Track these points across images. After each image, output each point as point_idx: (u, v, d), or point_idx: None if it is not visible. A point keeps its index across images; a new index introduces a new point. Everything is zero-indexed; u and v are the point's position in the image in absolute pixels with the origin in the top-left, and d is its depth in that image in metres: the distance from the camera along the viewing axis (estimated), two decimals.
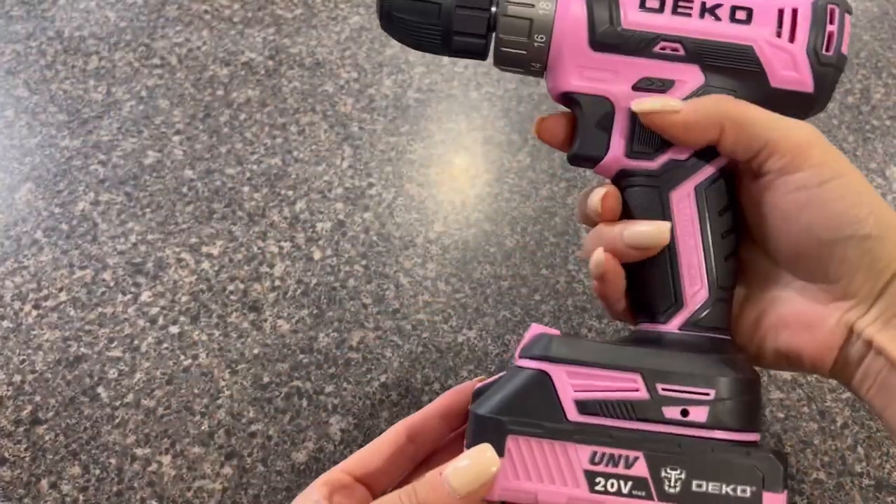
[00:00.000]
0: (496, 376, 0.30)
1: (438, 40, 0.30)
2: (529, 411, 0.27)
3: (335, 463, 0.30)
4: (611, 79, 0.30)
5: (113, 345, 0.43)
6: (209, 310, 0.45)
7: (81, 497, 0.38)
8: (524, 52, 0.30)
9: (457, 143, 0.55)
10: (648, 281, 0.30)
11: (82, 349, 0.43)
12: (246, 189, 0.52)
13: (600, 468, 0.27)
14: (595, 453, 0.27)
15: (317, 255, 0.48)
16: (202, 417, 0.41)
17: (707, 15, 0.28)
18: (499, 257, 0.49)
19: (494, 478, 0.26)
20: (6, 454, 0.39)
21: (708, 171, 0.29)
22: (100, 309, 0.45)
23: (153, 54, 0.61)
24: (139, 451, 0.39)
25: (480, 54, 0.31)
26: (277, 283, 0.46)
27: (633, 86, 0.29)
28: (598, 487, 0.27)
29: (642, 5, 0.29)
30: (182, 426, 0.40)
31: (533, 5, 0.29)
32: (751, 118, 0.28)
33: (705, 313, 0.29)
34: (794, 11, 0.29)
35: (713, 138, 0.28)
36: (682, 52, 0.29)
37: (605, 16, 0.29)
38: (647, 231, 0.29)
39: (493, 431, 0.27)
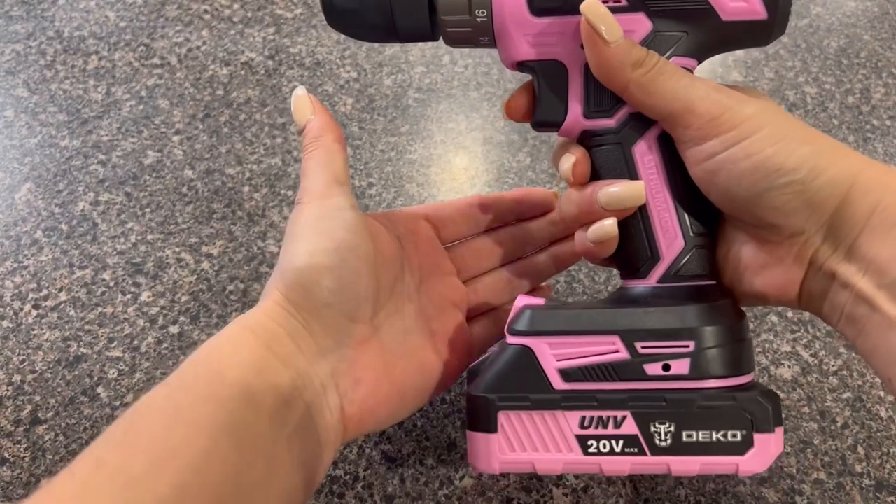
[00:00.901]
0: (487, 354, 0.32)
1: (383, 28, 0.31)
2: (517, 386, 0.28)
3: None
4: (558, 42, 0.30)
5: (113, 345, 0.43)
6: (209, 310, 0.45)
7: None
8: (469, 28, 0.30)
9: (457, 143, 0.55)
10: (624, 238, 0.30)
11: (82, 349, 0.43)
12: (246, 189, 0.52)
13: (590, 431, 0.28)
14: (584, 418, 0.28)
15: None
16: None
17: None
18: None
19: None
20: (6, 454, 0.39)
21: None
22: (100, 309, 0.45)
23: (153, 54, 0.61)
24: None
25: (430, 37, 0.32)
26: None
27: (580, 45, 0.29)
28: (591, 450, 0.28)
29: None
30: None
31: None
32: (656, 88, 0.28)
33: (684, 262, 0.30)
34: None
35: (621, 92, 0.29)
36: (624, 3, 0.28)
37: None
38: (621, 192, 0.29)
39: (484, 410, 0.29)
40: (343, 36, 0.64)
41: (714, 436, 0.27)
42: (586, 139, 0.31)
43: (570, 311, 0.29)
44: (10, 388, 0.41)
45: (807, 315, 0.46)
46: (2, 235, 0.48)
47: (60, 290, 0.46)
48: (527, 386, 0.28)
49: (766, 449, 0.27)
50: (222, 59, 0.61)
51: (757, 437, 0.27)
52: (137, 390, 0.42)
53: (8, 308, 0.45)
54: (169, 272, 0.47)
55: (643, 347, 0.28)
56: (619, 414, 0.27)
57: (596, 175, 0.31)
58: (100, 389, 0.42)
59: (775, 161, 0.26)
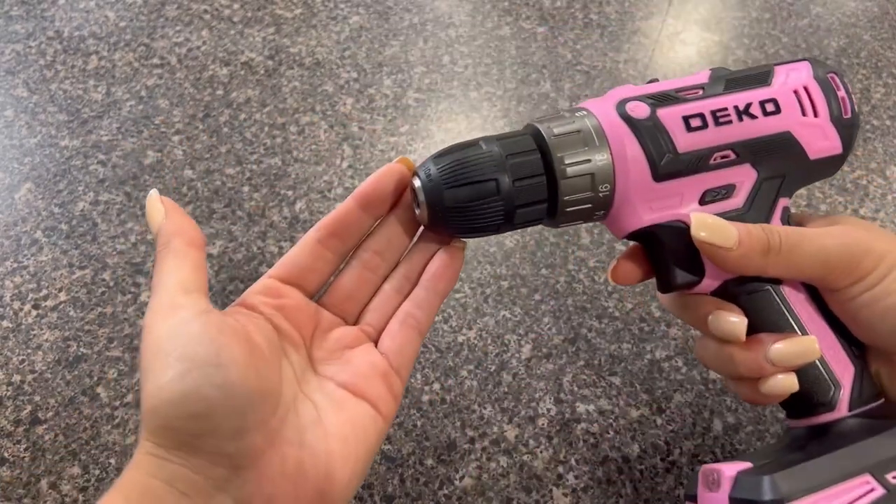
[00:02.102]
0: None
1: (501, 218, 0.29)
2: None
3: None
4: (678, 203, 0.30)
5: (112, 345, 0.43)
6: None
7: (81, 497, 0.38)
8: (589, 204, 0.29)
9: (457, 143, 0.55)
10: (802, 380, 0.30)
11: (82, 349, 0.43)
12: (246, 189, 0.52)
13: None
14: None
15: None
16: None
17: (745, 117, 0.30)
18: (499, 257, 0.49)
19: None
20: (6, 454, 0.39)
21: None
22: (99, 309, 0.45)
23: (153, 54, 0.61)
24: None
25: (540, 219, 0.30)
26: None
27: (699, 201, 0.30)
28: None
29: (688, 127, 0.29)
30: None
31: (590, 160, 0.29)
32: (792, 263, 0.28)
33: (860, 386, 0.29)
34: (807, 89, 0.30)
35: (763, 272, 0.29)
36: (733, 157, 0.30)
37: (661, 148, 0.29)
38: (795, 349, 0.29)
39: None
40: (343, 36, 0.64)
41: None
42: (727, 289, 0.30)
43: (805, 466, 0.27)
44: (9, 388, 0.41)
45: None
46: (2, 235, 0.48)
47: (60, 290, 0.46)
48: None
49: None
50: (222, 59, 0.61)
51: None
52: (137, 390, 0.42)
53: (8, 308, 0.45)
54: None
55: (893, 477, 0.26)
56: None
57: (752, 323, 0.30)
58: (100, 389, 0.42)
59: None
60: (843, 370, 0.29)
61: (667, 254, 0.30)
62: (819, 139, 0.30)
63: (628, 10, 0.70)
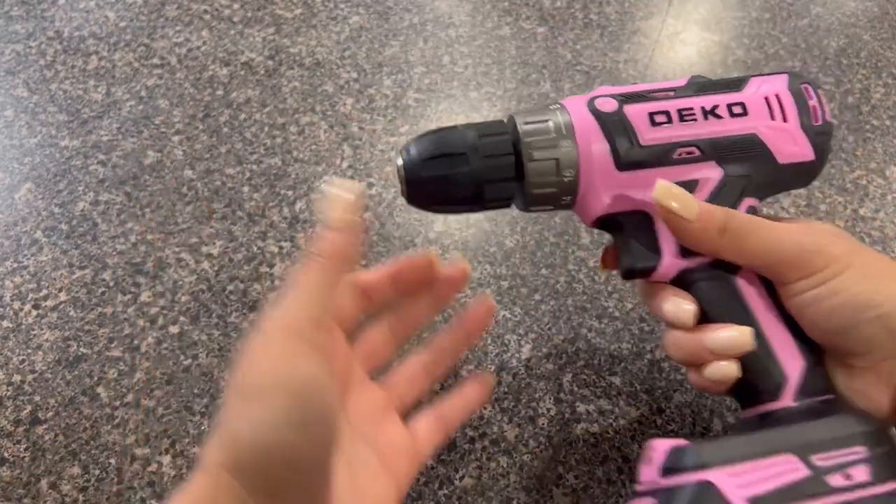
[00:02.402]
0: None
1: (470, 191, 0.31)
2: None
3: None
4: (641, 193, 0.31)
5: (113, 345, 0.43)
6: (209, 310, 0.45)
7: (81, 497, 0.38)
8: (555, 189, 0.32)
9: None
10: (749, 369, 0.30)
11: (82, 349, 0.43)
12: (246, 189, 0.52)
13: None
14: None
15: None
16: (202, 417, 0.41)
17: (710, 116, 0.31)
18: (499, 257, 0.49)
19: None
20: (6, 454, 0.39)
21: None
22: (99, 309, 0.45)
23: (153, 54, 0.61)
24: (139, 451, 0.39)
25: (509, 199, 0.32)
26: (277, 283, 0.46)
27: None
28: None
29: (653, 122, 0.31)
30: (182, 426, 0.40)
31: (556, 146, 0.31)
32: (745, 247, 0.29)
33: (809, 379, 0.30)
34: (778, 97, 0.32)
35: (713, 255, 0.30)
36: (698, 153, 0.31)
37: (624, 139, 0.31)
38: (731, 339, 0.30)
39: None
40: (343, 36, 0.64)
41: None
42: (682, 277, 0.32)
43: (733, 439, 0.29)
44: (9, 388, 0.41)
45: None
46: (2, 235, 0.48)
47: (60, 290, 0.46)
48: None
49: None
50: (222, 60, 0.61)
51: None
52: (137, 390, 0.42)
53: (8, 308, 0.45)
54: (169, 272, 0.47)
55: (819, 459, 0.27)
56: None
57: (704, 311, 0.31)
58: (100, 389, 0.42)
59: (863, 298, 0.28)
60: (792, 362, 0.30)
61: (629, 240, 0.32)
62: (788, 144, 0.32)
63: (628, 10, 0.70)
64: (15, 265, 0.47)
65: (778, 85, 0.32)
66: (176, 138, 0.55)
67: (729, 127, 0.31)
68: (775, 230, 0.29)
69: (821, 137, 0.32)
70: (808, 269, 0.29)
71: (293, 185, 0.52)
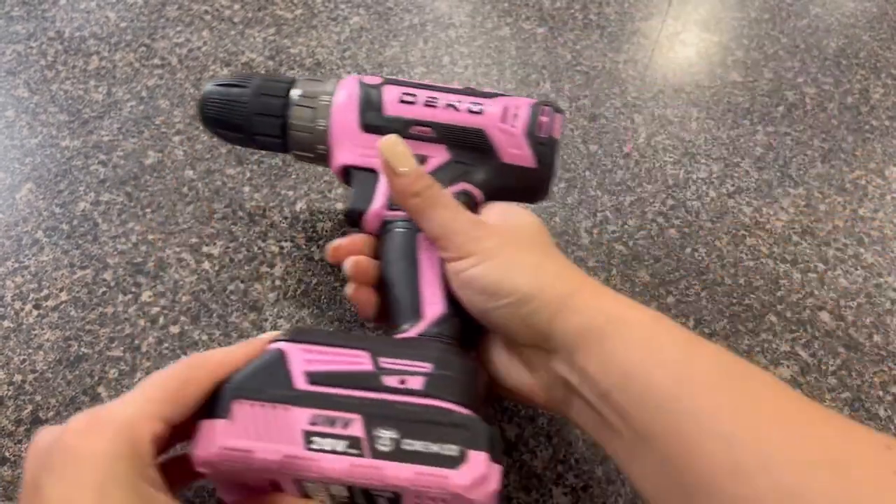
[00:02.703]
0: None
1: (244, 137, 0.41)
2: (260, 381, 0.30)
3: None
4: (376, 155, 0.37)
5: (113, 344, 0.43)
6: (209, 310, 0.45)
7: None
8: (309, 133, 0.39)
9: None
10: (395, 296, 0.36)
11: (83, 349, 0.43)
12: (246, 189, 0.52)
13: (318, 428, 0.29)
14: (316, 416, 0.29)
15: (317, 255, 0.48)
16: None
17: (449, 108, 0.38)
18: None
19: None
20: (6, 454, 0.39)
21: None
22: (100, 309, 0.45)
23: (153, 54, 0.61)
24: None
25: (280, 148, 0.41)
26: (278, 282, 0.47)
27: None
28: (313, 445, 0.28)
29: (401, 100, 0.38)
30: None
31: (315, 98, 0.39)
32: (427, 216, 0.34)
33: (442, 326, 0.34)
34: (516, 107, 0.38)
35: (408, 210, 0.35)
36: (431, 134, 0.38)
37: (371, 106, 0.38)
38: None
39: (221, 397, 0.29)
40: (343, 36, 0.64)
41: (432, 447, 0.28)
42: (382, 227, 0.37)
43: (336, 332, 0.32)
44: (10, 387, 0.41)
45: (805, 314, 0.46)
46: (3, 235, 0.48)
47: (61, 289, 0.46)
48: (269, 382, 0.30)
49: (478, 468, 0.28)
50: (223, 60, 0.61)
51: (471, 453, 0.28)
52: None
53: (9, 308, 0.45)
54: (170, 272, 0.47)
55: (385, 362, 0.31)
56: (350, 416, 0.29)
57: (384, 255, 0.37)
58: (100, 389, 0.42)
59: (494, 287, 0.31)
60: (433, 308, 0.34)
61: (357, 188, 0.38)
62: (512, 147, 0.37)
63: (628, 11, 0.70)
64: (16, 265, 0.47)
65: (524, 102, 0.38)
66: (177, 138, 0.55)
67: (462, 118, 0.37)
68: (455, 212, 0.34)
69: (542, 148, 0.37)
70: (460, 253, 0.33)
71: (294, 185, 0.52)
